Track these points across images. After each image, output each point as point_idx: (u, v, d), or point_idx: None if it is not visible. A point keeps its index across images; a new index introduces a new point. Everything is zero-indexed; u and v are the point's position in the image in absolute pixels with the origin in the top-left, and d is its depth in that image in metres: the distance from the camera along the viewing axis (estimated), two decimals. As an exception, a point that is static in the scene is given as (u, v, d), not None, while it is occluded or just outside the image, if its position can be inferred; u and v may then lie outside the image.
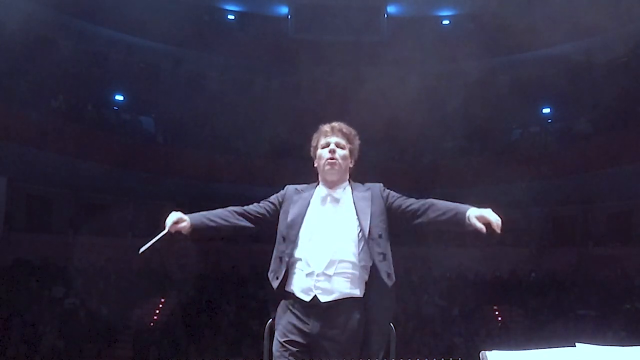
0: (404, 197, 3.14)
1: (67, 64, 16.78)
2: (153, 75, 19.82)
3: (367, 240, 2.99)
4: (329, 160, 3.12)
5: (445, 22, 20.79)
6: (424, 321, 15.03)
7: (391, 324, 3.16)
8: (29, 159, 15.20)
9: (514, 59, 19.07)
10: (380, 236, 3.03)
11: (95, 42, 18.52)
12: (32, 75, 15.90)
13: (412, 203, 3.10)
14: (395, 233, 3.14)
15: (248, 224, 3.16)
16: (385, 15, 20.63)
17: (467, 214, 2.93)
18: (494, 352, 2.46)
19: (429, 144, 18.74)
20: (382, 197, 3.12)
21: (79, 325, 13.68)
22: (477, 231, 2.88)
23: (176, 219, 3.03)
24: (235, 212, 3.16)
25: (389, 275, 3.00)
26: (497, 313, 16.00)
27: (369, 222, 3.02)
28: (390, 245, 3.07)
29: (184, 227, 3.03)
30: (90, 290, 14.92)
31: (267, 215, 3.18)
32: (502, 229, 2.84)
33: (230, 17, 20.98)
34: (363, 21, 20.05)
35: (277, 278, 3.03)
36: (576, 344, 2.44)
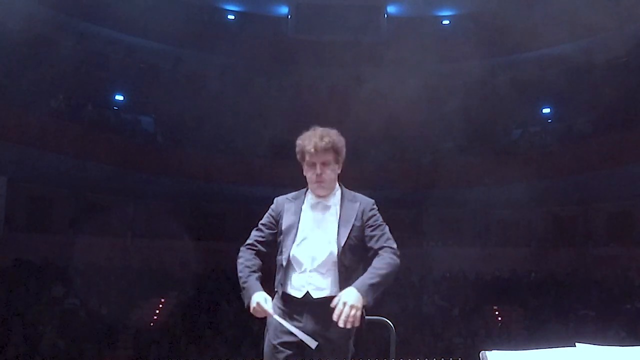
0: (377, 231, 3.09)
1: (67, 64, 16.80)
2: (153, 75, 19.82)
3: (343, 246, 3.03)
4: (317, 180, 3.12)
5: (445, 22, 20.80)
6: (424, 321, 15.03)
7: (391, 324, 3.16)
8: (29, 159, 15.19)
9: (514, 59, 19.07)
10: (353, 245, 3.05)
11: (95, 42, 18.53)
12: (32, 75, 15.90)
13: (371, 244, 3.06)
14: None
15: (266, 255, 3.19)
16: (385, 15, 20.64)
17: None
18: (494, 352, 2.46)
19: (429, 144, 18.73)
20: (365, 216, 3.12)
21: (79, 325, 13.67)
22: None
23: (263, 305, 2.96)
24: (253, 253, 3.19)
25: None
26: (497, 313, 16.00)
27: (349, 230, 3.05)
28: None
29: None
30: (90, 290, 14.91)
31: (272, 236, 3.21)
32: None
33: (230, 17, 20.99)
34: (363, 21, 20.04)
35: (282, 285, 3.07)
36: (576, 344, 2.45)
